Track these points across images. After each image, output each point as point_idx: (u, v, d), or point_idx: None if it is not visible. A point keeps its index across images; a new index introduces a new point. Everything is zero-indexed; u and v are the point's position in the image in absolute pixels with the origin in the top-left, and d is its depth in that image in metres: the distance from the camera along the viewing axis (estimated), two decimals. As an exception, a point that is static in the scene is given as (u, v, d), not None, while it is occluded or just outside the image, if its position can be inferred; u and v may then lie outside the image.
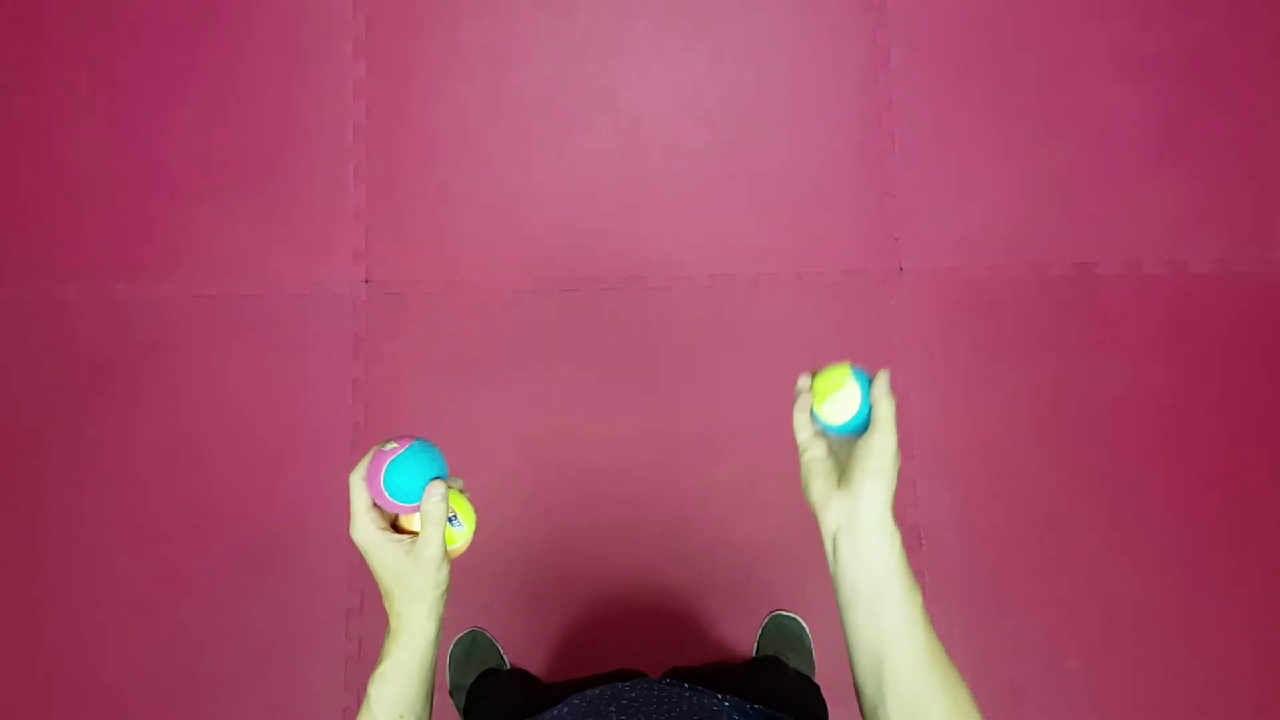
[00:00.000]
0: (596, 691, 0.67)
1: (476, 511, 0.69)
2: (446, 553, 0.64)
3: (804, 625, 1.64)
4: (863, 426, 0.64)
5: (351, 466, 0.63)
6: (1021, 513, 1.69)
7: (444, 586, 0.64)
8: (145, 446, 1.74)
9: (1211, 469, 1.69)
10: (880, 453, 0.62)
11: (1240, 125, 1.77)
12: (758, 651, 1.64)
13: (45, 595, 1.72)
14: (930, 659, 0.58)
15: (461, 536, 0.67)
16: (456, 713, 1.61)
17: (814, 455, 0.66)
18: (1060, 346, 1.73)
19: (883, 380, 0.65)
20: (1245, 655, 1.65)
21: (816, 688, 1.18)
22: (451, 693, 1.62)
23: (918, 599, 0.59)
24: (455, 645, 1.64)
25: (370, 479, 0.63)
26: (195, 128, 1.81)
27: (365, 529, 0.63)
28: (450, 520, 0.65)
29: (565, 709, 0.65)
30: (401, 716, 0.61)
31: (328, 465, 1.70)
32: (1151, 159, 1.76)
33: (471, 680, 1.56)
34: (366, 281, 1.76)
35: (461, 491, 0.68)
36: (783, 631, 1.64)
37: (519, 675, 1.57)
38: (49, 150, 1.82)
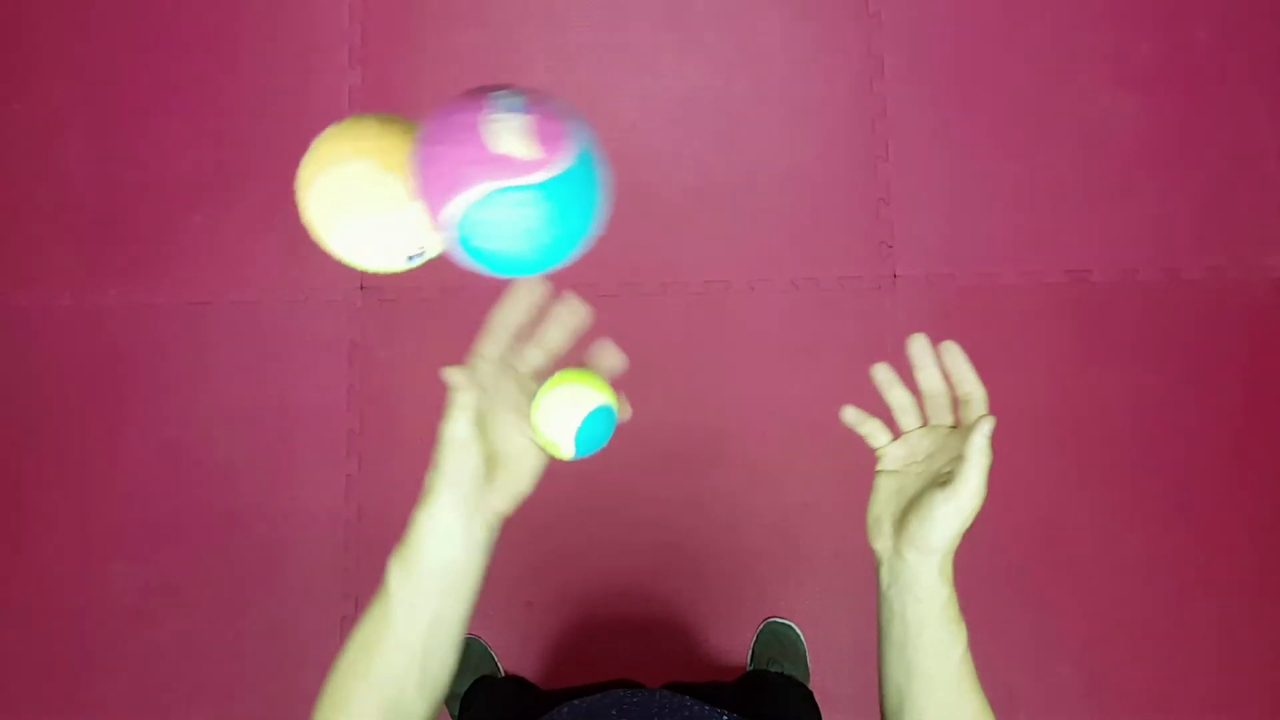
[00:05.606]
0: (597, 696, 0.67)
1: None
2: (476, 440, 0.51)
3: (799, 632, 1.64)
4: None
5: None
6: (1017, 519, 1.69)
7: (479, 473, 0.51)
8: (137, 453, 1.72)
9: (1208, 474, 1.70)
10: (949, 526, 0.55)
11: (1234, 132, 1.78)
12: (752, 658, 1.64)
13: (37, 601, 1.70)
14: (954, 712, 0.56)
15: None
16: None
17: (881, 468, 0.62)
18: (1054, 354, 1.73)
19: (983, 431, 0.54)
20: (1244, 662, 1.65)
21: (810, 695, 1.18)
22: (446, 700, 1.61)
23: (957, 650, 0.56)
24: (450, 653, 1.63)
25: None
26: (188, 134, 1.81)
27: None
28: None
29: (565, 709, 0.65)
30: (431, 626, 0.51)
31: (322, 473, 1.69)
32: (1145, 166, 1.77)
33: (466, 687, 1.55)
34: (362, 288, 1.76)
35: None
36: (777, 639, 1.63)
37: (514, 682, 1.56)
38: (40, 157, 1.81)
